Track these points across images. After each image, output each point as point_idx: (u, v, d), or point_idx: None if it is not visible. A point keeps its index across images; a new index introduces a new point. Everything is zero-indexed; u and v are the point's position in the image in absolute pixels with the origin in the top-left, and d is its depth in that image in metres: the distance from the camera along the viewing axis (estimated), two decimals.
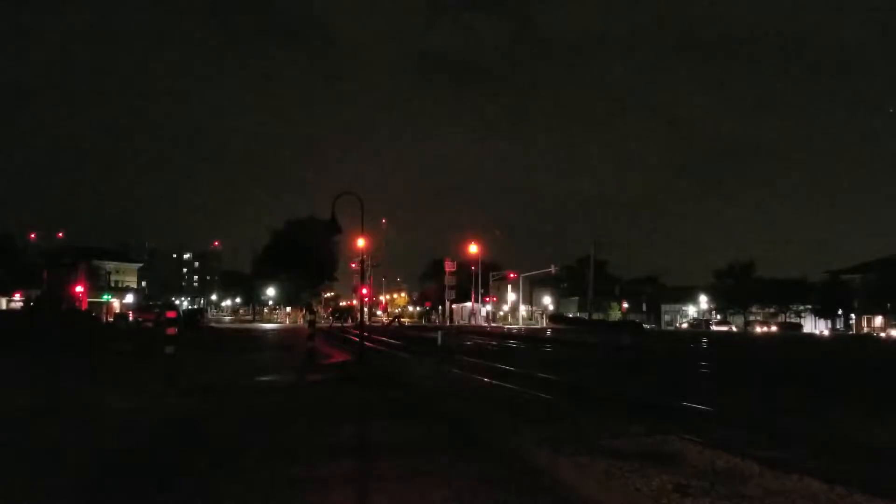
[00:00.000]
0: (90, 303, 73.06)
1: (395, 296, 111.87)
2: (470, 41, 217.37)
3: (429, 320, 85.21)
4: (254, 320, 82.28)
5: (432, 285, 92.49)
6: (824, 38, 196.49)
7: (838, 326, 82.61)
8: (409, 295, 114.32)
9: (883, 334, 70.06)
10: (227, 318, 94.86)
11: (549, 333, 52.46)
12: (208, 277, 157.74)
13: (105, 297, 78.19)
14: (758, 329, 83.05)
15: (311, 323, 18.77)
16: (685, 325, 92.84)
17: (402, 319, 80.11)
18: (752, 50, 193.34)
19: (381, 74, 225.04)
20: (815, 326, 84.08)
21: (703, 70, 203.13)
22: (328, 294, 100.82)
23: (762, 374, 19.36)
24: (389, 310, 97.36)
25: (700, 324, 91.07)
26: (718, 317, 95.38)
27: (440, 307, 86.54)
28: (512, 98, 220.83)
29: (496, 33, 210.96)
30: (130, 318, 59.38)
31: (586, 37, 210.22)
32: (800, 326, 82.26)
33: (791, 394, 13.86)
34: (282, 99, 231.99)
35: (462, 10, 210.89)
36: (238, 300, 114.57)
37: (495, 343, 32.79)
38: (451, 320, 78.18)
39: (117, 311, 73.06)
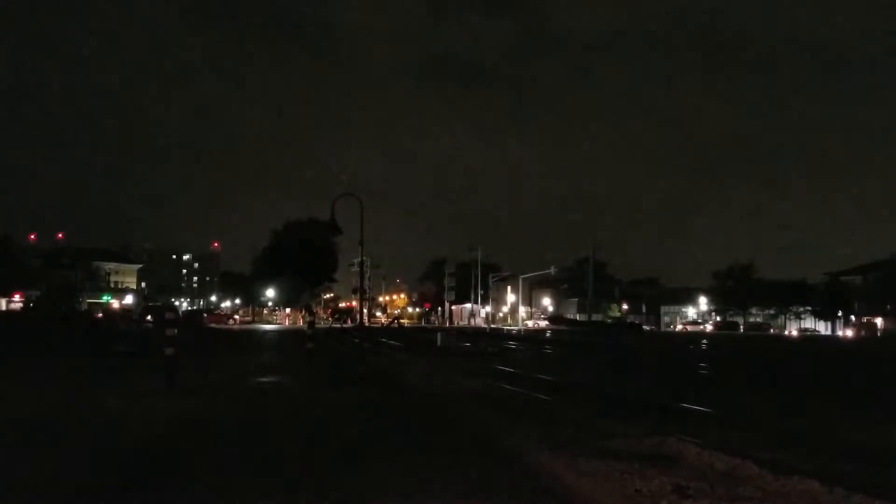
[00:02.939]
0: (90, 303, 73.11)
1: (395, 297, 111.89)
2: (474, 41, 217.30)
3: (428, 321, 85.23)
4: (253, 321, 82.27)
5: (432, 286, 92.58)
6: (825, 38, 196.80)
7: (809, 327, 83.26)
8: (409, 296, 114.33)
9: (851, 333, 71.68)
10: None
11: (548, 335, 52.50)
12: (208, 278, 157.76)
13: (105, 298, 78.28)
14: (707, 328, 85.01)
15: (311, 324, 18.80)
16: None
17: (401, 320, 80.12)
18: (753, 50, 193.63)
19: (384, 75, 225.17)
20: (814, 327, 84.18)
21: (704, 70, 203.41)
22: (328, 295, 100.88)
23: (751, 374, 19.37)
24: (389, 311, 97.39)
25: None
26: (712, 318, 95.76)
27: (440, 308, 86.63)
28: (514, 98, 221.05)
29: (500, 34, 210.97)
30: (132, 320, 59.45)
31: (590, 37, 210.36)
32: (737, 325, 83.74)
33: (788, 394, 13.87)
34: (283, 99, 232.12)
35: (467, 10, 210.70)
36: (237, 301, 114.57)
37: (495, 344, 32.79)
38: (451, 321, 78.27)
39: (117, 311, 73.11)
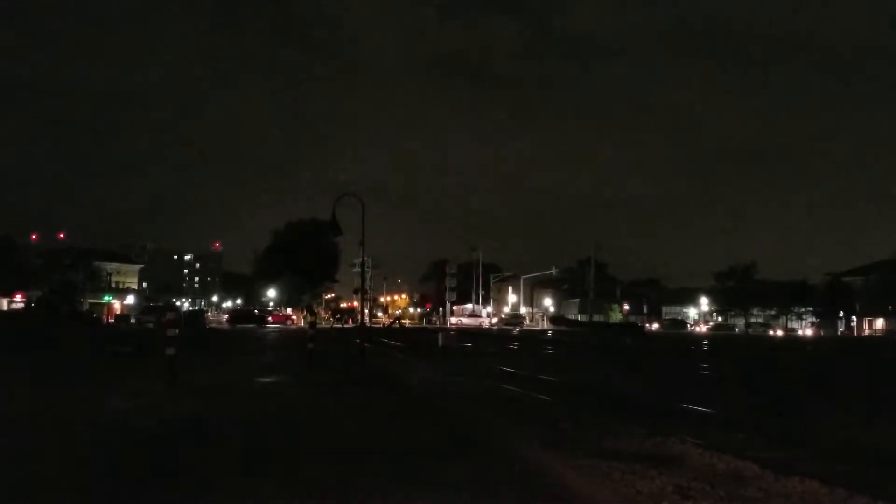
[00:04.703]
0: (91, 304, 73.13)
1: (396, 297, 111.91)
2: (481, 42, 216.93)
3: (429, 322, 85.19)
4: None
5: (433, 286, 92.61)
6: (825, 39, 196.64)
7: (795, 327, 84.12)
8: (410, 296, 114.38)
9: (810, 332, 73.21)
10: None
11: (549, 335, 52.51)
12: (209, 278, 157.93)
13: (106, 298, 78.29)
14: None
15: (312, 324, 18.79)
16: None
17: (402, 321, 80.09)
18: (755, 51, 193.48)
19: (389, 75, 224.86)
20: (813, 328, 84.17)
21: (706, 71, 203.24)
22: (329, 295, 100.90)
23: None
24: (390, 311, 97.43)
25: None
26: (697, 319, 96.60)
27: (441, 308, 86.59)
28: (518, 98, 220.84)
29: (507, 34, 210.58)
30: (132, 320, 59.47)
31: (596, 38, 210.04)
32: (685, 324, 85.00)
33: (787, 395, 13.86)
34: (286, 98, 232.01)
35: (475, 11, 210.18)
36: (239, 301, 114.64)
37: (496, 345, 32.78)
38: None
39: (118, 311, 73.20)
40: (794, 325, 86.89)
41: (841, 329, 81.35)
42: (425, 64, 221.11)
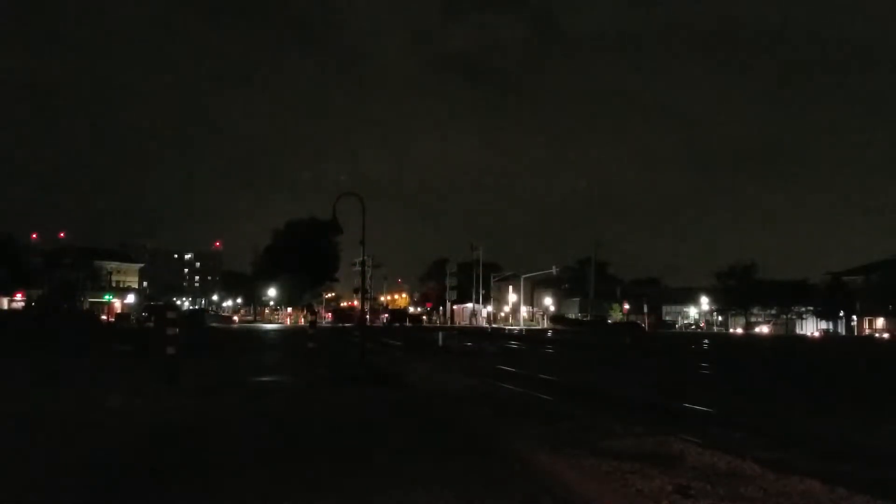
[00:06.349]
0: (91, 303, 73.20)
1: (397, 296, 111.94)
2: (482, 41, 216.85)
3: (430, 321, 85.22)
4: (255, 321, 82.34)
5: (433, 286, 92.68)
6: (827, 39, 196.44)
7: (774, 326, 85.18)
8: (410, 295, 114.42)
9: (766, 330, 75.20)
10: None
11: (549, 335, 52.53)
12: (209, 278, 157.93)
13: (106, 298, 78.36)
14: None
15: (312, 323, 18.81)
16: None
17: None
18: (756, 51, 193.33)
19: (391, 74, 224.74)
20: (816, 328, 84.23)
21: (707, 70, 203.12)
22: (329, 295, 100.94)
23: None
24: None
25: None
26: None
27: (441, 308, 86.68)
28: (519, 98, 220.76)
29: (509, 33, 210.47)
30: (133, 319, 59.44)
31: (600, 37, 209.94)
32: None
33: (789, 394, 13.85)
34: (288, 97, 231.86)
35: (476, 9, 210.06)
36: (239, 300, 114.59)
37: (496, 344, 32.77)
38: (453, 321, 78.28)
39: (119, 310, 73.26)
40: (796, 324, 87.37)
41: (839, 328, 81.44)
42: (426, 63, 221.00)
